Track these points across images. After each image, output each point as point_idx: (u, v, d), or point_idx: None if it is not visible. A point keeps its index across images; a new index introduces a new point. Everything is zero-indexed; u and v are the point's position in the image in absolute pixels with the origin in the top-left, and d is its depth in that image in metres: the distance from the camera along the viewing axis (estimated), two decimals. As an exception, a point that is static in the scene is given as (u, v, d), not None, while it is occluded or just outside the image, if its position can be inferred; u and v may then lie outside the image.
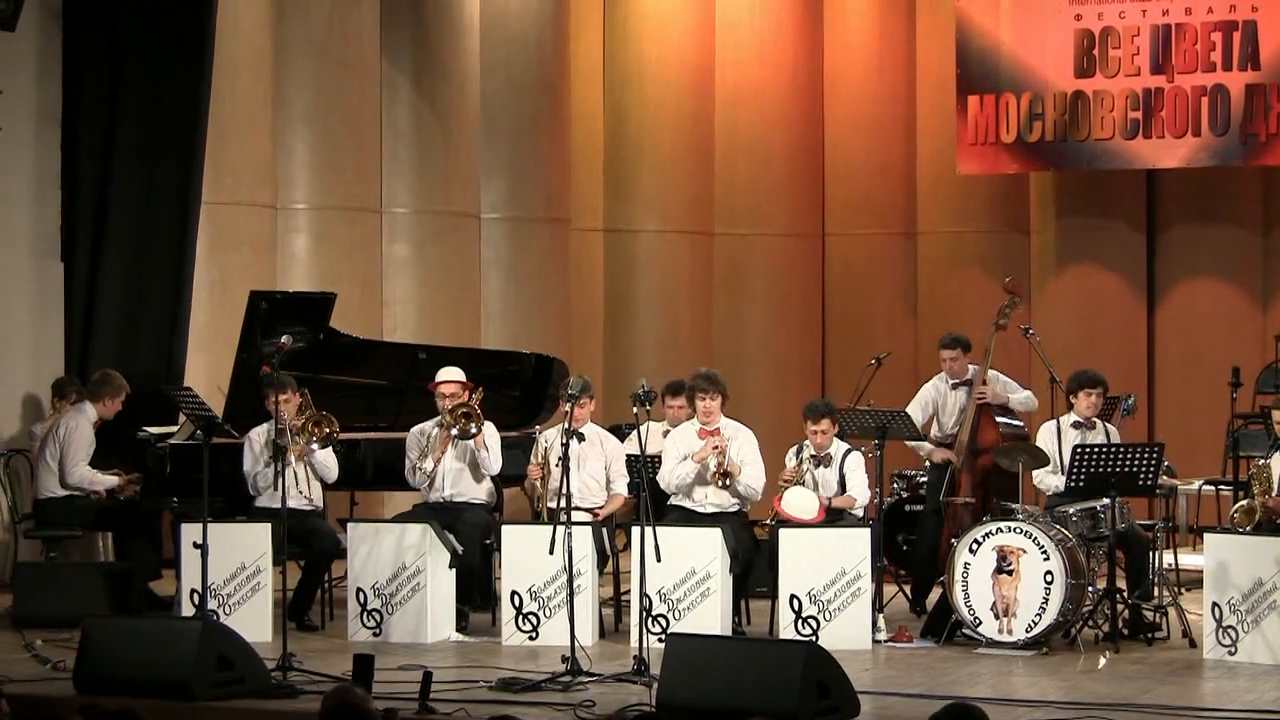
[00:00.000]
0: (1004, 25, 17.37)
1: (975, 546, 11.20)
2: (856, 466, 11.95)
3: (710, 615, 11.18)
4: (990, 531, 11.20)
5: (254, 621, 11.33)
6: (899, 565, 13.58)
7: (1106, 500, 11.38)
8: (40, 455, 12.92)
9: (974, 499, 12.36)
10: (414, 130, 16.26)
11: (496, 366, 13.87)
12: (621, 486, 12.13)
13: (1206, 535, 11.35)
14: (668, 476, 11.82)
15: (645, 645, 10.16)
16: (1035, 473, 11.83)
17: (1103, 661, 10.72)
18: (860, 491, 11.89)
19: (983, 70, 17.43)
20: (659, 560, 10.53)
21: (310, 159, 15.70)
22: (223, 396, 13.02)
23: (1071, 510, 11.51)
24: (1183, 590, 12.21)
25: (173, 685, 9.49)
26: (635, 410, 10.56)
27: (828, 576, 11.22)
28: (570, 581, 10.66)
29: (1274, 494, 11.20)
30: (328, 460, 12.14)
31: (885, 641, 11.42)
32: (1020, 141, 17.35)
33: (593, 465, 12.08)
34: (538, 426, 13.24)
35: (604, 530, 11.70)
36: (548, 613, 11.34)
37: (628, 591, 11.38)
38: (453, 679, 10.03)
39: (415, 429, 12.21)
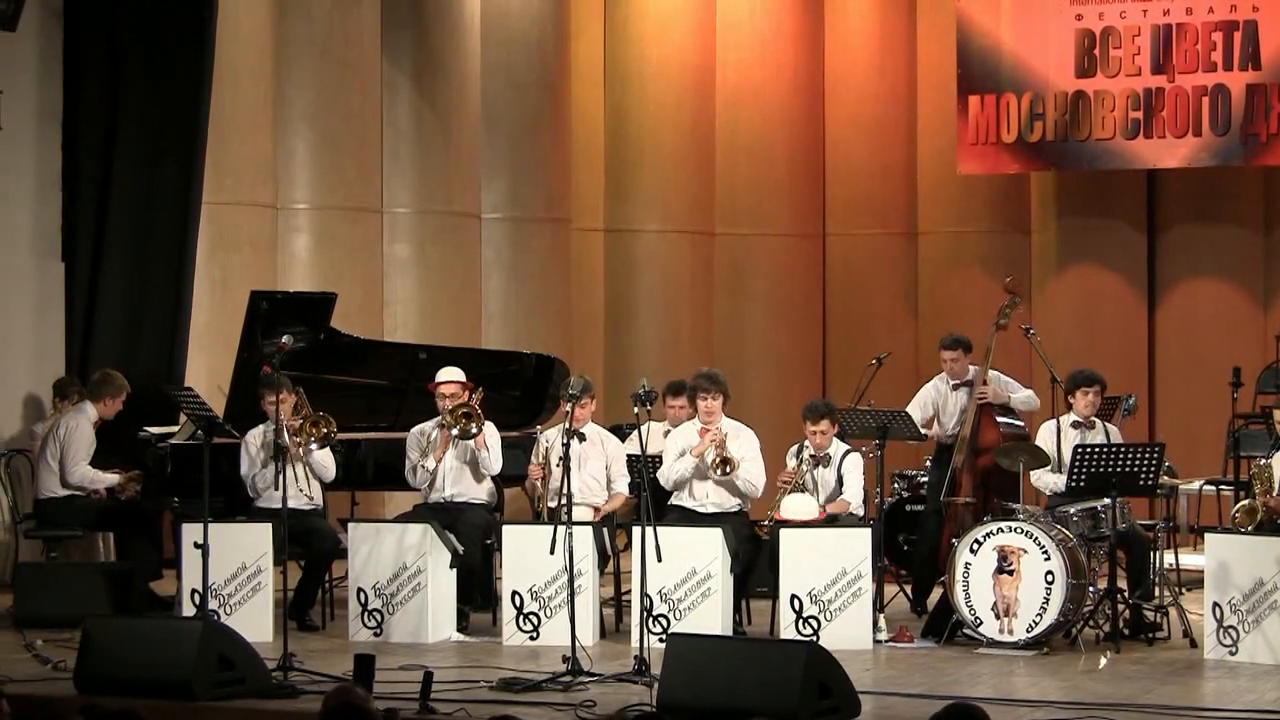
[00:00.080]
0: (1005, 25, 17.37)
1: (976, 546, 11.20)
2: (854, 468, 11.94)
3: (711, 615, 11.17)
4: (991, 531, 11.19)
5: (255, 621, 11.33)
6: (900, 565, 13.58)
7: (1107, 500, 11.38)
8: (41, 455, 12.92)
9: (975, 499, 12.36)
10: (415, 130, 16.26)
11: (497, 366, 13.87)
12: (622, 486, 12.14)
13: (1207, 535, 11.35)
14: (667, 472, 11.82)
15: (646, 645, 10.16)
16: (1033, 472, 11.82)
17: (1104, 661, 10.72)
18: (854, 495, 11.88)
19: (983, 70, 17.43)
20: (660, 560, 10.53)
21: (311, 159, 15.70)
22: (223, 396, 13.02)
23: (1072, 510, 11.51)
24: (1183, 590, 12.21)
25: (173, 685, 9.49)
26: (636, 410, 10.56)
27: (828, 576, 11.22)
28: (571, 581, 10.66)
29: (1275, 494, 11.20)
30: (325, 460, 12.14)
31: (886, 641, 11.42)
32: (1021, 141, 17.35)
33: (594, 465, 12.07)
34: (539, 427, 13.24)
35: (605, 530, 11.70)
36: (548, 613, 11.34)
37: (628, 591, 11.38)
38: (453, 679, 10.03)
39: (415, 429, 12.21)
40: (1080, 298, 17.73)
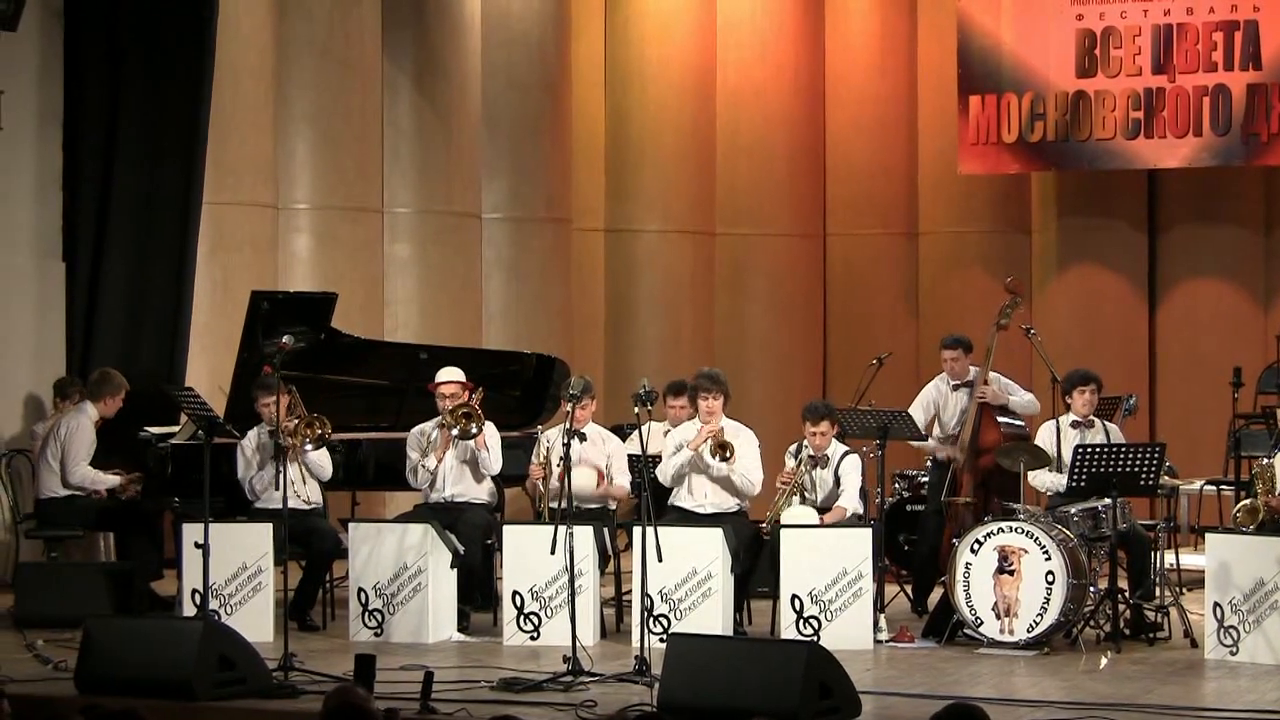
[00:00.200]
0: (1005, 25, 17.37)
1: (977, 546, 11.20)
2: (851, 470, 11.92)
3: (712, 615, 11.17)
4: (992, 531, 11.19)
5: (255, 621, 11.33)
6: (900, 565, 13.58)
7: (1108, 500, 11.38)
8: (41, 455, 12.92)
9: (975, 499, 12.36)
10: (415, 130, 16.26)
11: (498, 366, 13.87)
12: (622, 480, 12.13)
13: (1208, 535, 11.35)
14: (665, 467, 11.80)
15: (646, 645, 10.16)
16: (1032, 473, 11.82)
17: (1104, 661, 10.72)
18: (850, 501, 11.86)
19: (984, 70, 17.43)
20: (660, 560, 10.53)
21: (312, 159, 15.70)
22: (224, 396, 13.02)
23: (1073, 510, 11.50)
24: (1184, 590, 12.20)
25: (174, 685, 9.49)
26: (636, 410, 10.56)
27: (829, 576, 11.22)
28: (571, 581, 10.66)
29: (1277, 493, 11.20)
30: (322, 460, 12.13)
31: (887, 641, 11.42)
32: (1022, 141, 17.35)
33: (594, 466, 12.07)
34: (539, 427, 13.24)
35: (605, 530, 11.70)
36: (549, 613, 11.34)
37: (629, 591, 11.38)
38: (454, 679, 10.02)
39: (416, 429, 12.21)
40: (1081, 298, 17.73)
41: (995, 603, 11.11)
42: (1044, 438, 12.08)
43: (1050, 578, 11.01)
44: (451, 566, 11.64)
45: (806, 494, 11.95)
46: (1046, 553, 11.03)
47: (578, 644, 10.21)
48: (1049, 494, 12.06)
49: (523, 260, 17.04)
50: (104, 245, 14.26)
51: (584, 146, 17.93)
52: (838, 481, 11.92)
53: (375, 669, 9.45)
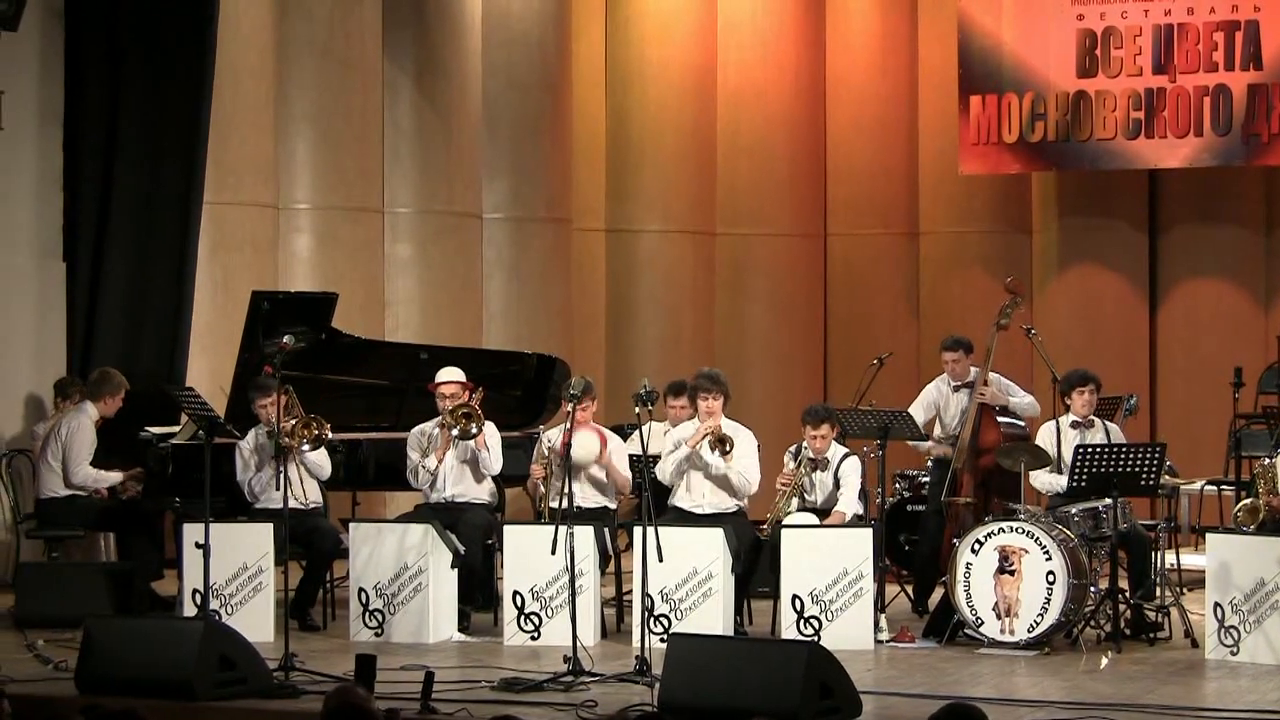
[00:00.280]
0: (1006, 25, 17.37)
1: (977, 547, 11.20)
2: (851, 473, 11.90)
3: (712, 615, 11.17)
4: (992, 532, 11.19)
5: (256, 621, 11.32)
6: (901, 565, 13.58)
7: (1109, 500, 11.38)
8: (42, 455, 12.92)
9: (976, 499, 12.36)
10: (416, 130, 16.26)
11: (498, 366, 13.88)
12: (625, 473, 12.10)
13: (1208, 535, 11.35)
14: (664, 465, 11.79)
15: (647, 645, 10.16)
16: (1033, 473, 11.82)
17: (1105, 662, 10.72)
18: (849, 505, 11.84)
19: (985, 70, 17.43)
20: (661, 560, 10.53)
21: (312, 159, 15.70)
22: (225, 396, 13.02)
23: (1073, 510, 11.50)
24: (1185, 590, 12.20)
25: (174, 685, 9.48)
26: (637, 410, 10.56)
27: (830, 576, 11.21)
28: (572, 581, 10.66)
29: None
30: (320, 459, 12.12)
31: (887, 642, 11.42)
32: (1022, 141, 17.35)
33: (596, 466, 12.07)
34: (541, 427, 13.24)
35: (606, 530, 11.70)
36: (549, 613, 11.34)
37: (629, 591, 11.38)
38: (455, 679, 10.02)
39: (416, 429, 12.21)
40: (1081, 298, 17.73)
41: (996, 603, 11.11)
42: (1044, 438, 12.08)
43: (1051, 578, 11.01)
44: (452, 566, 11.64)
45: (806, 495, 11.94)
46: (1047, 553, 11.03)
47: (578, 644, 10.20)
48: (1049, 494, 12.05)
49: (523, 260, 17.04)
50: (104, 245, 14.26)
51: (584, 147, 17.93)
52: (837, 484, 11.91)
53: (376, 669, 9.44)
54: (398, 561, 11.58)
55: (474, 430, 11.79)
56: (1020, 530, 11.12)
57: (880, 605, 11.67)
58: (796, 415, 12.14)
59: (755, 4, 18.51)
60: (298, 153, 15.66)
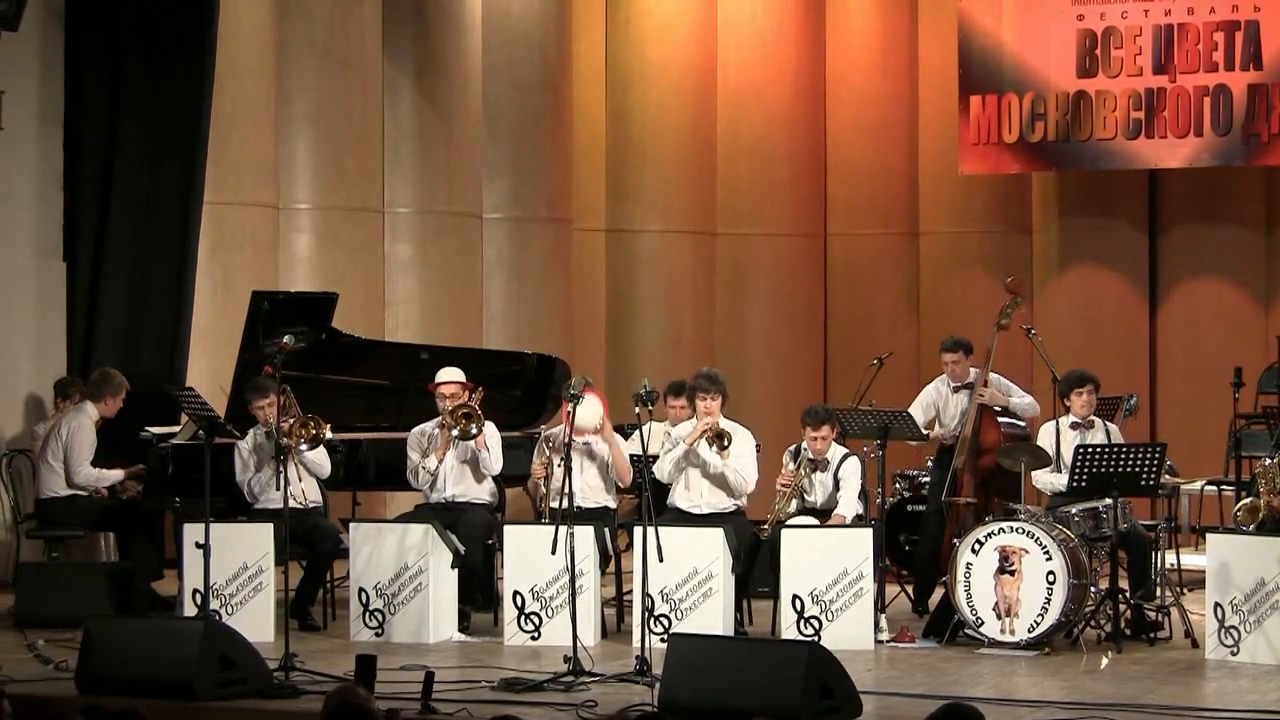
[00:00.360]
0: (1006, 25, 17.37)
1: (977, 547, 11.19)
2: (851, 475, 11.89)
3: (712, 615, 11.17)
4: (992, 532, 11.19)
5: (256, 621, 11.33)
6: (901, 565, 13.58)
7: (1109, 500, 11.38)
8: (42, 455, 12.92)
9: (976, 499, 12.36)
10: (416, 130, 16.25)
11: (499, 366, 13.88)
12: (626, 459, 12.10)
13: (1209, 535, 11.35)
14: (663, 463, 11.77)
15: (647, 645, 10.16)
16: (1034, 473, 11.83)
17: (1105, 662, 10.72)
18: (849, 508, 11.83)
19: (985, 70, 17.43)
20: (661, 560, 10.53)
21: (312, 159, 15.70)
22: (225, 396, 13.02)
23: (1074, 510, 11.51)
24: (1185, 590, 12.20)
25: (175, 685, 9.48)
26: (637, 410, 10.56)
27: (830, 577, 11.21)
28: (572, 581, 10.66)
29: None
30: (319, 458, 12.12)
31: (887, 642, 11.42)
32: (1022, 141, 17.35)
33: (596, 466, 12.07)
34: (542, 427, 13.24)
35: (606, 530, 11.70)
36: (550, 613, 11.34)
37: (630, 591, 11.38)
38: (455, 679, 10.02)
39: (416, 429, 12.21)
40: (1082, 298, 17.73)
41: (996, 603, 11.11)
42: (1044, 439, 12.08)
43: (1051, 578, 11.01)
44: (452, 567, 11.64)
45: (806, 496, 11.94)
46: (1047, 553, 11.03)
47: (578, 644, 10.20)
48: (1050, 494, 12.05)
49: (523, 260, 17.04)
50: (105, 245, 14.26)
51: (585, 147, 17.93)
52: (837, 484, 11.91)
53: (376, 669, 9.44)
54: (398, 561, 11.58)
55: (474, 430, 11.79)
56: (1020, 530, 11.12)
57: (880, 605, 11.67)
58: (796, 415, 12.14)
59: (755, 4, 18.51)
60: (298, 153, 15.66)
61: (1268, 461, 11.44)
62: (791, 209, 18.66)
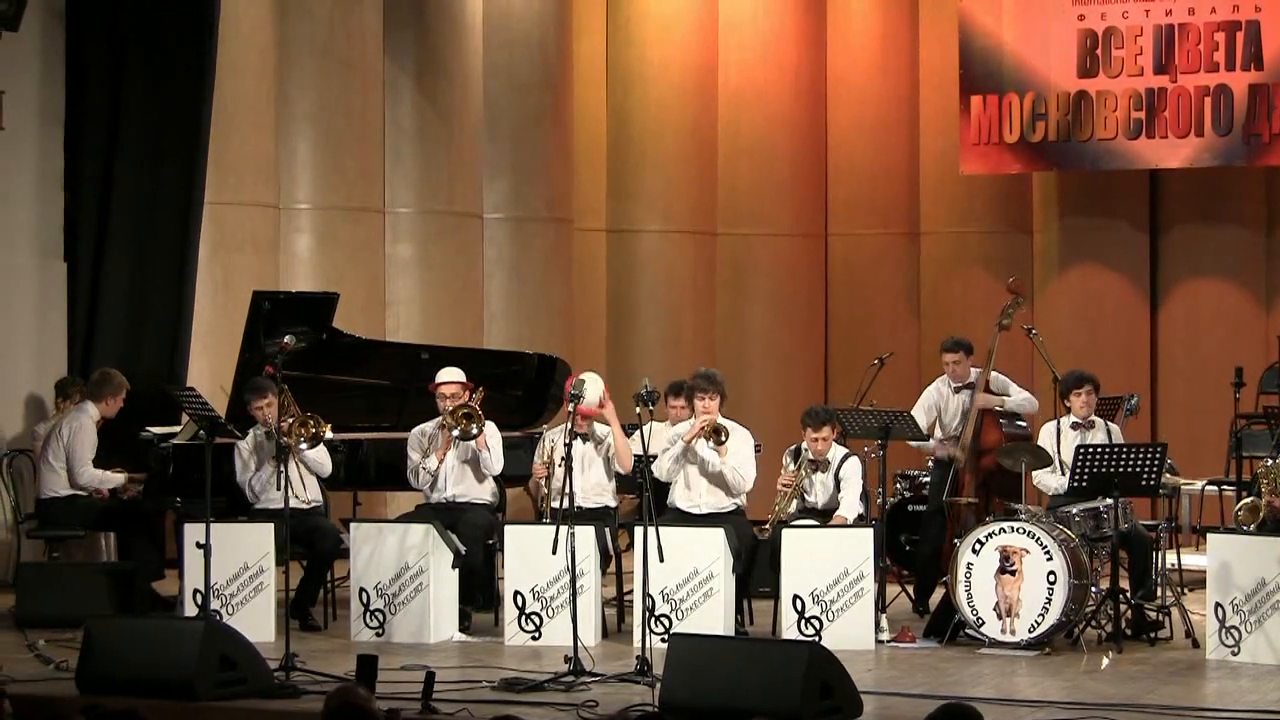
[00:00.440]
0: (1007, 25, 17.37)
1: (978, 547, 11.19)
2: (852, 475, 11.89)
3: (713, 615, 11.17)
4: (993, 532, 11.19)
5: (257, 621, 11.32)
6: (902, 565, 13.58)
7: (1109, 500, 11.38)
8: (43, 455, 12.92)
9: (977, 499, 12.36)
10: (417, 130, 16.25)
11: (499, 366, 13.88)
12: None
13: (1209, 535, 11.34)
14: (662, 461, 11.76)
15: (648, 645, 10.16)
16: (1035, 473, 11.83)
17: (1105, 662, 10.72)
18: (851, 510, 11.83)
19: (986, 70, 17.43)
20: (662, 560, 10.53)
21: (313, 159, 15.70)
22: (226, 396, 13.02)
23: (1074, 510, 11.50)
24: (1185, 590, 12.20)
25: (175, 685, 9.48)
26: (638, 410, 10.57)
27: (830, 577, 11.21)
28: (573, 581, 10.65)
29: (1282, 494, 11.21)
30: (319, 456, 12.11)
31: (888, 642, 11.41)
32: (1023, 141, 17.35)
33: (598, 466, 12.07)
34: (545, 427, 13.24)
35: (607, 530, 11.70)
36: (550, 613, 11.34)
37: (630, 591, 11.38)
38: (455, 679, 10.02)
39: (416, 429, 12.21)
40: (1082, 298, 17.73)
41: (997, 603, 11.10)
42: (1045, 439, 12.08)
43: (1052, 578, 11.01)
44: (453, 566, 11.64)
45: (807, 497, 11.93)
46: (1048, 553, 11.03)
47: (579, 644, 10.20)
48: (1051, 494, 12.05)
49: (524, 260, 17.04)
50: (105, 245, 14.27)
51: (585, 146, 17.93)
52: (838, 485, 11.90)
53: (377, 669, 9.44)
54: (399, 561, 11.58)
55: (474, 430, 11.79)
56: (1021, 530, 11.12)
57: (881, 605, 11.66)
58: (797, 415, 12.13)
59: (756, 4, 18.50)
60: (298, 153, 15.66)
61: (1270, 462, 11.44)
62: (792, 209, 18.66)
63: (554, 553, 10.76)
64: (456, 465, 12.07)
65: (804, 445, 11.93)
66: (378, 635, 11.56)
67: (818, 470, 11.90)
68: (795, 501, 11.90)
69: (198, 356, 14.38)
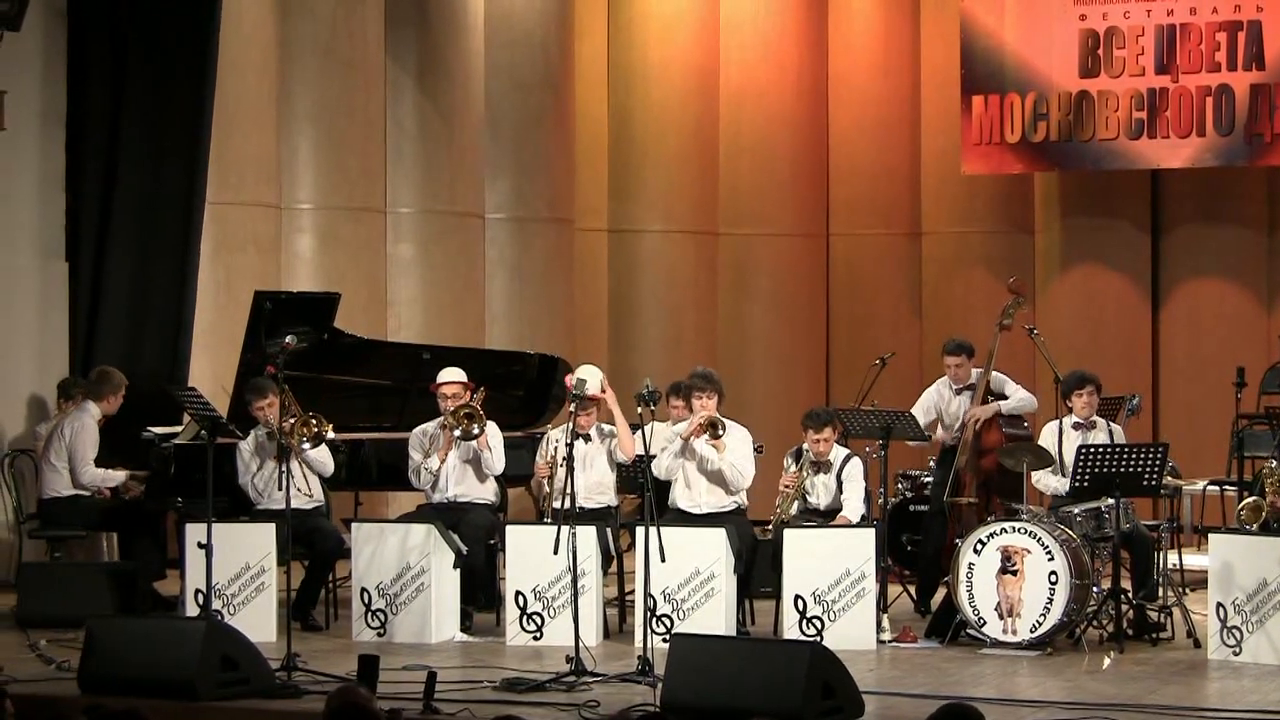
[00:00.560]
0: (1008, 25, 17.37)
1: (980, 547, 11.19)
2: (854, 476, 11.88)
3: (714, 615, 11.17)
4: (995, 532, 11.19)
5: (258, 621, 11.33)
6: (903, 565, 13.57)
7: (1111, 500, 11.38)
8: (45, 455, 12.92)
9: (978, 499, 12.36)
10: (418, 130, 16.25)
11: (501, 366, 13.88)
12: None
13: (1211, 535, 11.34)
14: (661, 459, 11.75)
15: (649, 645, 10.16)
16: (1035, 474, 11.82)
17: (1107, 662, 10.72)
18: (854, 512, 11.82)
19: (987, 70, 17.43)
20: (663, 560, 10.53)
21: (315, 159, 15.70)
22: (227, 396, 13.02)
23: (1076, 510, 11.50)
24: (1187, 590, 12.21)
25: (177, 685, 9.49)
26: (639, 410, 10.58)
27: (832, 577, 11.21)
28: (575, 582, 10.66)
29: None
30: (321, 455, 12.12)
31: (890, 642, 11.42)
32: (1025, 141, 17.35)
33: (599, 466, 12.07)
34: (549, 426, 13.24)
35: (608, 530, 11.70)
36: (552, 613, 11.34)
37: (632, 592, 11.38)
38: (457, 679, 10.02)
39: (417, 430, 12.21)
40: (1084, 298, 17.73)
41: (998, 603, 11.10)
42: (1046, 439, 12.07)
43: (1053, 578, 11.00)
44: (454, 566, 11.64)
45: (808, 497, 11.93)
46: (1049, 553, 11.03)
47: (581, 644, 10.21)
48: (1052, 494, 12.05)
49: (525, 260, 17.04)
50: (107, 245, 14.26)
51: (587, 146, 17.93)
52: (840, 486, 11.90)
53: (378, 669, 9.45)
54: (400, 561, 11.58)
55: (476, 430, 11.79)
56: (1023, 530, 11.12)
57: (883, 605, 11.66)
58: (798, 416, 12.13)
59: (757, 4, 18.50)
60: (300, 152, 15.66)
61: (1274, 463, 11.43)
62: (793, 209, 18.66)
63: (555, 553, 10.76)
64: (458, 465, 12.07)
65: (805, 447, 11.93)
66: (379, 635, 11.56)
67: (819, 471, 11.90)
68: (797, 503, 11.91)
69: (199, 356, 14.38)
